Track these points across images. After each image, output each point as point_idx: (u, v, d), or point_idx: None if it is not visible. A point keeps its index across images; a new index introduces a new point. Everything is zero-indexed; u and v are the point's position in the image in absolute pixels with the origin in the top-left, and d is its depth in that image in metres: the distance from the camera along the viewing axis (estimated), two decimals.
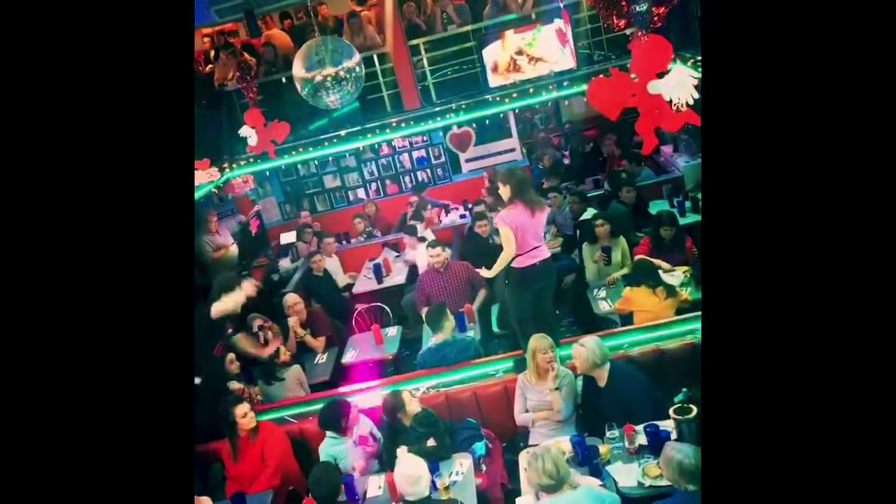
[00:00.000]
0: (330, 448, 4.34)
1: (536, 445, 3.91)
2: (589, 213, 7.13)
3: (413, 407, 4.26)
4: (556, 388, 4.19)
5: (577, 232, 6.86)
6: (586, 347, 4.09)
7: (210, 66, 8.84)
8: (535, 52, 7.18)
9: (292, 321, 5.98)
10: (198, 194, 6.88)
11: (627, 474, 3.60)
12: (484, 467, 4.13)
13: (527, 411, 4.36)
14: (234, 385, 5.27)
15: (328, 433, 4.38)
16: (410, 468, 3.44)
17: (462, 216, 8.40)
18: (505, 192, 4.55)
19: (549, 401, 4.27)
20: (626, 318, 5.26)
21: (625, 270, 5.85)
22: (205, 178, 6.88)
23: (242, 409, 4.45)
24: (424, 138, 9.46)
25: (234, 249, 8.07)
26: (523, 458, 3.83)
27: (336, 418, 4.33)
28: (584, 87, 7.07)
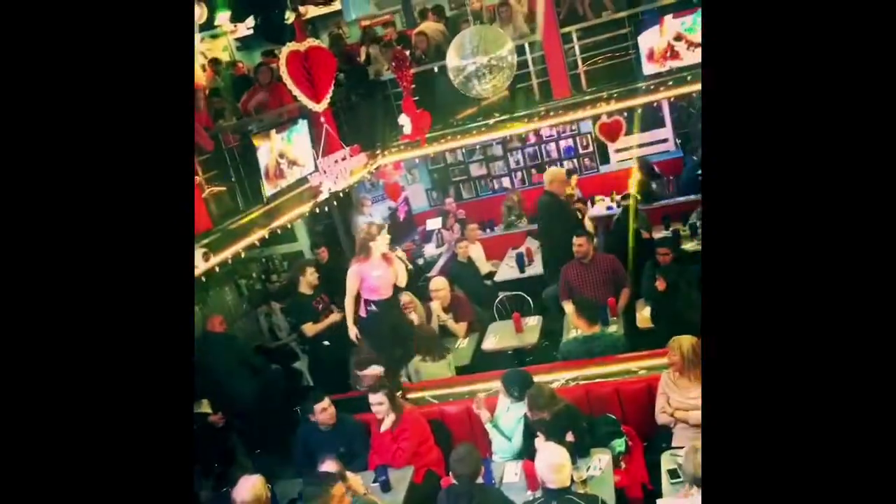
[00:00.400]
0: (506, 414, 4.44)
1: (680, 447, 3.77)
2: None
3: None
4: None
5: None
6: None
7: (365, 56, 9.21)
8: (695, 38, 6.80)
9: (435, 305, 6.15)
10: (352, 179, 7.22)
11: None
12: (623, 465, 4.04)
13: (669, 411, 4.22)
14: (376, 370, 5.38)
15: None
16: (555, 456, 3.43)
17: (609, 208, 8.20)
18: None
19: (691, 402, 4.10)
20: None
21: None
22: (355, 163, 7.20)
23: (377, 397, 4.57)
24: (573, 127, 9.31)
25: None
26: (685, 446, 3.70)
27: (517, 383, 4.41)
28: None
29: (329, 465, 3.85)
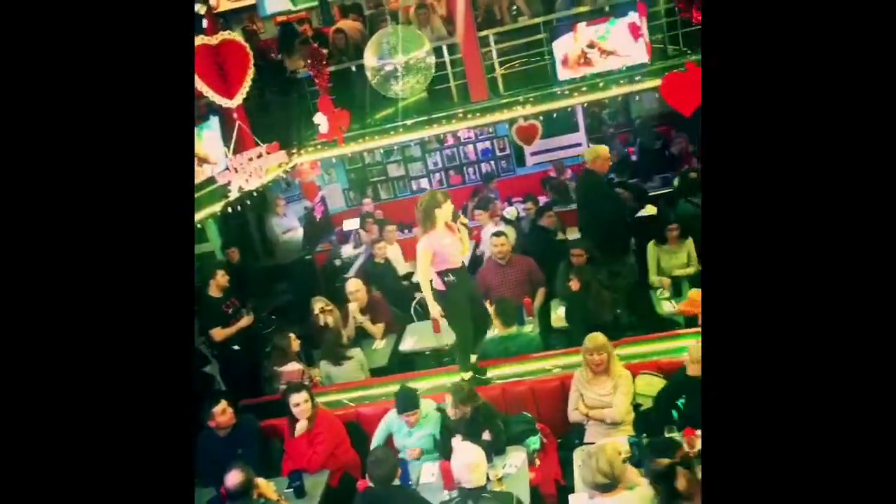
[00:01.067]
0: (395, 422, 4.40)
1: (592, 444, 3.87)
2: (648, 209, 7.00)
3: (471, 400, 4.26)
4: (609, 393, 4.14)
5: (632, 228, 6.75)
6: None
7: (281, 53, 9.01)
8: (608, 46, 7.03)
9: (353, 307, 6.08)
10: (267, 178, 7.04)
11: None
12: (538, 462, 4.11)
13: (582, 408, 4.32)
14: (295, 366, 5.39)
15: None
16: (470, 456, 3.45)
17: (523, 210, 8.34)
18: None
19: (605, 400, 4.21)
20: (691, 320, 5.12)
21: (690, 270, 5.70)
22: (273, 161, 7.03)
23: (298, 397, 4.46)
24: (490, 130, 9.43)
25: (299, 233, 8.26)
26: (579, 454, 3.80)
27: (411, 406, 4.34)
28: (657, 82, 6.90)
29: (235, 477, 3.70)
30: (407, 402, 4.33)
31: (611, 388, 4.22)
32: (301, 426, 4.46)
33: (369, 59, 5.39)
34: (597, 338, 4.23)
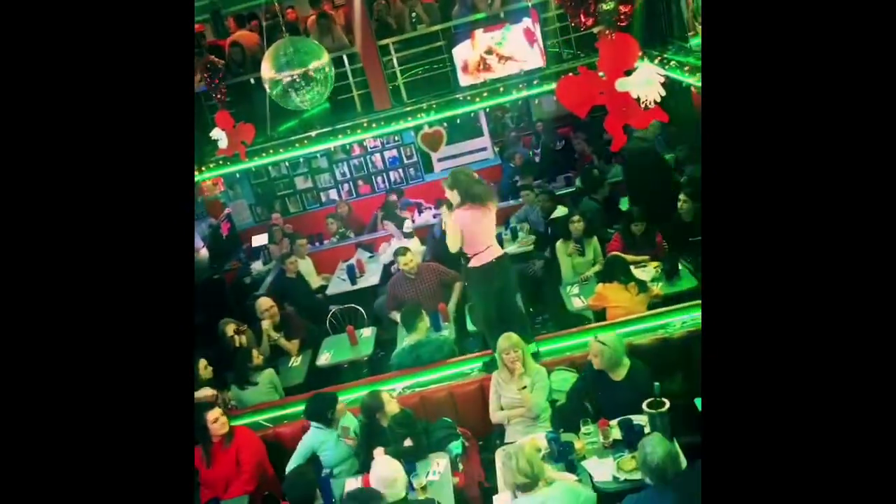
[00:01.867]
0: (314, 439, 4.33)
1: (513, 443, 3.93)
2: (560, 210, 7.18)
3: (391, 407, 4.24)
4: (523, 388, 4.21)
5: (549, 230, 6.90)
6: (609, 346, 4.03)
7: None
8: (505, 51, 7.19)
9: (266, 324, 5.94)
10: None
11: (602, 469, 3.64)
12: (461, 466, 4.14)
13: (502, 409, 4.38)
14: (207, 391, 5.21)
15: (314, 424, 4.36)
16: (386, 470, 3.43)
17: (435, 216, 8.39)
18: (453, 196, 4.56)
19: (519, 399, 4.28)
20: (600, 315, 5.30)
21: (597, 267, 5.90)
22: None
23: (213, 414, 4.40)
24: (396, 138, 9.44)
25: (203, 253, 7.98)
26: (499, 456, 3.85)
27: (323, 410, 4.32)
28: (554, 85, 7.11)
29: None
30: (321, 406, 4.30)
31: (521, 387, 4.26)
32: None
33: (267, 71, 5.29)
34: (510, 337, 4.29)
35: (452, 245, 4.53)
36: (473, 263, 4.57)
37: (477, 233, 4.52)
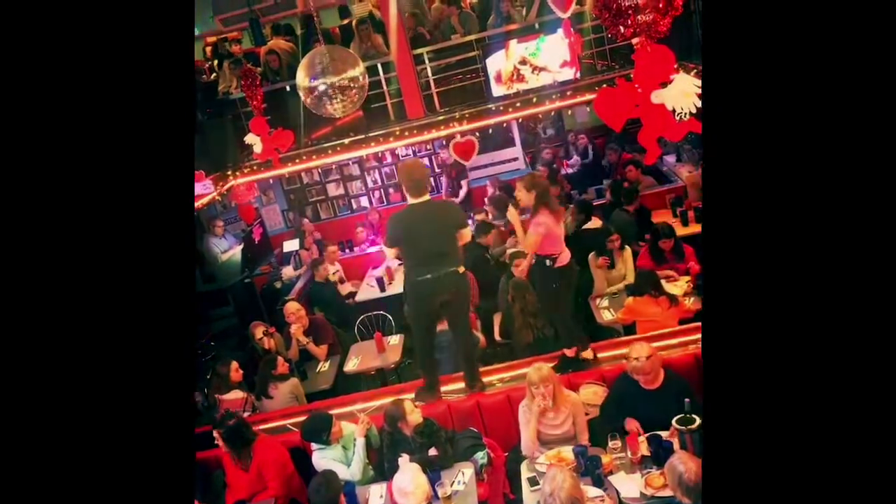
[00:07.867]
0: (319, 457, 4.32)
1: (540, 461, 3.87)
2: (594, 223, 7.13)
3: (414, 417, 4.22)
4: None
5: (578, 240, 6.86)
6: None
7: (214, 74, 8.88)
8: (539, 62, 7.20)
9: (294, 329, 5.99)
10: (198, 203, 6.89)
11: (630, 485, 3.59)
12: (485, 476, 4.12)
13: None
14: (238, 393, 5.28)
15: (314, 444, 4.35)
16: (403, 482, 3.41)
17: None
18: (528, 197, 4.54)
19: (561, 430, 4.11)
20: (629, 329, 5.25)
21: (629, 280, 5.84)
22: (199, 189, 6.90)
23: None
24: (428, 146, 9.48)
25: (239, 253, 8.14)
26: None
27: (318, 430, 4.28)
28: (587, 96, 7.09)
29: None
30: (316, 426, 4.27)
31: (564, 418, 4.09)
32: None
33: (302, 79, 5.35)
34: (541, 369, 4.05)
35: (531, 245, 4.53)
36: (560, 263, 4.58)
37: (557, 235, 4.56)
